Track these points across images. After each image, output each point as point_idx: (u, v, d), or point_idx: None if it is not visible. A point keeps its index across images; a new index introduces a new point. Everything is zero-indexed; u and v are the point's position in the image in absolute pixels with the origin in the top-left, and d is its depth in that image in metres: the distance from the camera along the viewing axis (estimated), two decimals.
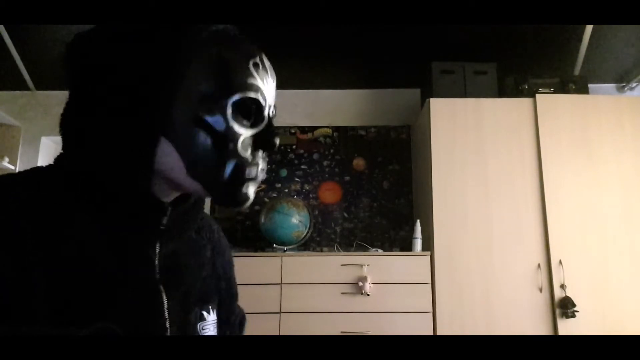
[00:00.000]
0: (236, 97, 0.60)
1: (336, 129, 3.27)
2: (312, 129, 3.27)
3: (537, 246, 2.52)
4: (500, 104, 2.70)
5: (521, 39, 2.79)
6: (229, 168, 0.60)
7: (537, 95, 2.70)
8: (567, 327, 2.38)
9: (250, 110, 0.63)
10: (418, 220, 2.68)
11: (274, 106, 0.66)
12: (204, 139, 0.58)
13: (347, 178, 3.20)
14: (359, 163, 3.22)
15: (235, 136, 0.60)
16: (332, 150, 3.24)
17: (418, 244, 2.61)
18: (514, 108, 2.69)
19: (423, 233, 2.65)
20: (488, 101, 2.70)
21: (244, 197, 0.62)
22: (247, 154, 0.61)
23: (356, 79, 3.26)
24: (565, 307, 2.40)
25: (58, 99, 3.28)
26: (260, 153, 0.63)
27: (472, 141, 2.65)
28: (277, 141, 0.63)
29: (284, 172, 3.20)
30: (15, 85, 3.23)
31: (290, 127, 3.27)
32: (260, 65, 0.63)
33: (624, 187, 2.57)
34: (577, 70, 3.01)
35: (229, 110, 0.59)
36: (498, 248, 2.52)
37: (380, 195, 3.16)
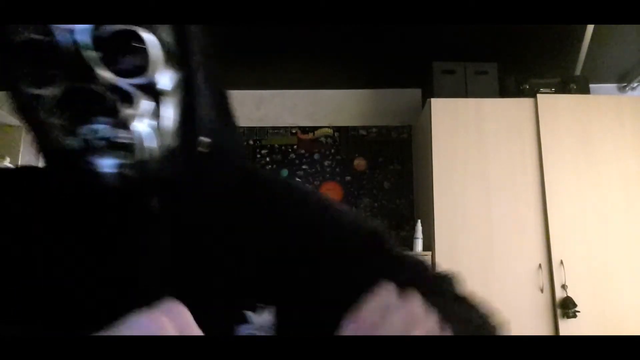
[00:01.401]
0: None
1: (337, 129, 3.27)
2: (313, 129, 3.27)
3: (538, 246, 2.52)
4: (501, 104, 2.70)
5: (522, 39, 2.79)
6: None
7: (538, 95, 2.70)
8: (568, 328, 2.37)
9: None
10: (419, 221, 2.68)
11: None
12: None
13: (348, 178, 3.20)
14: (359, 163, 3.22)
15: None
16: (333, 151, 3.24)
17: (419, 244, 2.61)
18: (515, 108, 2.69)
19: (424, 233, 2.64)
20: (489, 101, 2.70)
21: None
22: (58, 120, 0.49)
23: (357, 79, 3.26)
24: (566, 307, 2.40)
25: None
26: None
27: (473, 141, 2.65)
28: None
29: (284, 172, 3.20)
30: None
31: (291, 127, 3.27)
32: None
33: (626, 187, 2.57)
34: (578, 70, 3.01)
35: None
36: (499, 248, 2.51)
37: (381, 196, 3.16)
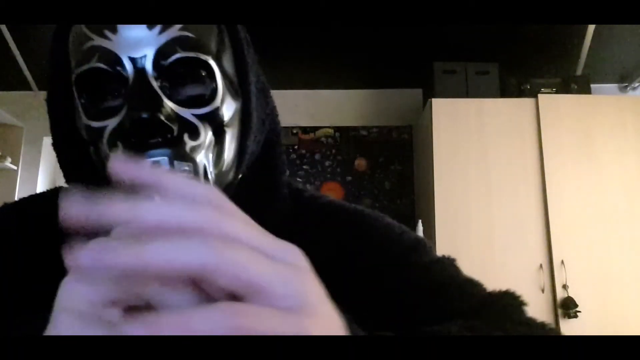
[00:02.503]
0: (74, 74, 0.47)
1: (338, 129, 3.27)
2: (314, 129, 3.27)
3: (539, 246, 2.52)
4: (502, 104, 2.70)
5: (523, 39, 2.79)
6: None
7: (540, 95, 2.69)
8: (570, 328, 2.37)
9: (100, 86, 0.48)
10: (420, 221, 2.68)
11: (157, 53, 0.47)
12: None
13: (348, 178, 3.20)
14: (360, 163, 3.21)
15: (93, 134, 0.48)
16: (333, 151, 3.24)
17: None
18: (516, 108, 2.69)
19: (425, 233, 2.64)
20: (490, 101, 2.70)
21: None
22: (117, 152, 0.47)
23: (358, 79, 3.26)
24: (567, 307, 2.39)
25: None
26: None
27: (474, 141, 2.65)
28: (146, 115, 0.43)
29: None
30: (17, 86, 3.24)
31: (292, 128, 3.27)
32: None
33: (627, 187, 2.57)
34: (579, 70, 3.01)
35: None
36: (500, 248, 2.51)
37: (382, 196, 3.16)
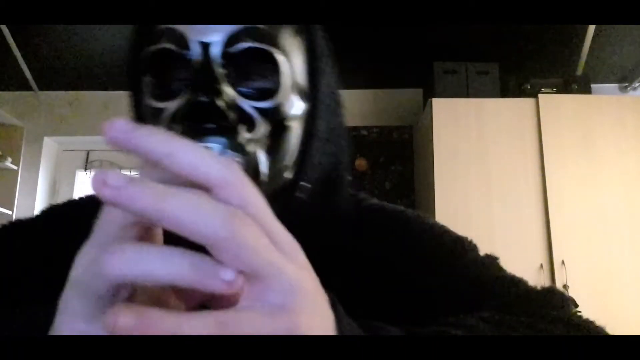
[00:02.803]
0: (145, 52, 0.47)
1: None
2: None
3: (540, 246, 2.52)
4: (502, 104, 2.70)
5: (523, 39, 2.79)
6: None
7: (540, 95, 2.69)
8: None
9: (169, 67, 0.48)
10: None
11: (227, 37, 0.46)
12: None
13: (349, 178, 3.19)
14: (360, 163, 3.21)
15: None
16: None
17: None
18: (516, 108, 2.69)
19: None
20: (490, 101, 2.70)
21: None
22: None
23: (358, 79, 3.25)
24: None
25: (61, 99, 3.29)
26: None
27: (475, 141, 2.65)
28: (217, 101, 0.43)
29: None
30: (18, 86, 3.24)
31: None
32: None
33: (627, 187, 2.56)
34: (579, 70, 3.01)
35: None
36: (500, 248, 2.48)
37: (382, 196, 3.14)
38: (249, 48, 0.46)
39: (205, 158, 0.23)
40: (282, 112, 0.48)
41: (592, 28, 2.75)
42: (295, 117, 0.50)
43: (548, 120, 2.65)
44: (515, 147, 2.63)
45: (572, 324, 0.52)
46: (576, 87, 2.77)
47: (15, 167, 2.97)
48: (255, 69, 0.47)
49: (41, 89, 3.29)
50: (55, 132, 3.23)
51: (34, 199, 3.08)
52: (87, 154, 3.34)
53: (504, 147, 2.63)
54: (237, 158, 0.45)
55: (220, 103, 0.43)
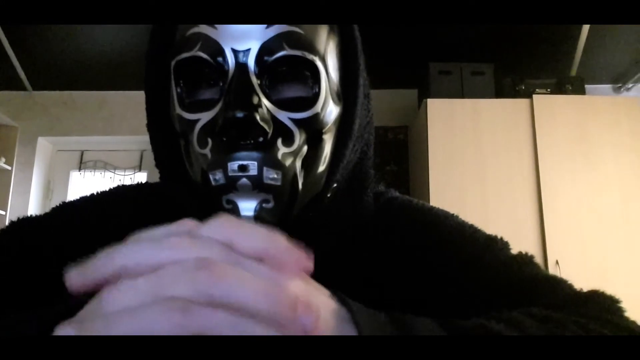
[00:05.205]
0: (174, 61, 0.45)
1: None
2: None
3: (534, 247, 2.53)
4: (497, 104, 2.71)
5: (518, 40, 2.80)
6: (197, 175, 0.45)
7: (534, 96, 2.70)
8: None
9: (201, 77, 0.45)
10: None
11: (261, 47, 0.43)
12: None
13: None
14: None
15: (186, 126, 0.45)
16: None
17: None
18: (511, 108, 2.70)
19: None
20: (485, 102, 2.71)
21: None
22: (206, 150, 0.43)
23: None
24: None
25: (55, 99, 3.28)
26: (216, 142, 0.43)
27: (470, 142, 2.65)
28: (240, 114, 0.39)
29: None
30: (12, 86, 3.22)
31: None
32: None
33: (622, 188, 2.58)
34: (573, 71, 3.02)
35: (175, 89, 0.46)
36: None
37: None
38: (286, 56, 0.44)
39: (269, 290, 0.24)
40: (320, 121, 0.46)
41: (586, 29, 2.76)
42: (332, 124, 0.48)
43: (542, 120, 2.66)
44: (509, 147, 2.64)
45: (625, 328, 0.46)
46: (570, 87, 2.79)
47: (9, 168, 2.95)
48: (292, 77, 0.45)
49: (35, 88, 3.28)
50: (50, 132, 3.21)
51: (27, 199, 3.06)
52: (82, 154, 3.33)
53: (499, 148, 2.64)
54: (274, 174, 0.42)
55: (256, 117, 0.40)
